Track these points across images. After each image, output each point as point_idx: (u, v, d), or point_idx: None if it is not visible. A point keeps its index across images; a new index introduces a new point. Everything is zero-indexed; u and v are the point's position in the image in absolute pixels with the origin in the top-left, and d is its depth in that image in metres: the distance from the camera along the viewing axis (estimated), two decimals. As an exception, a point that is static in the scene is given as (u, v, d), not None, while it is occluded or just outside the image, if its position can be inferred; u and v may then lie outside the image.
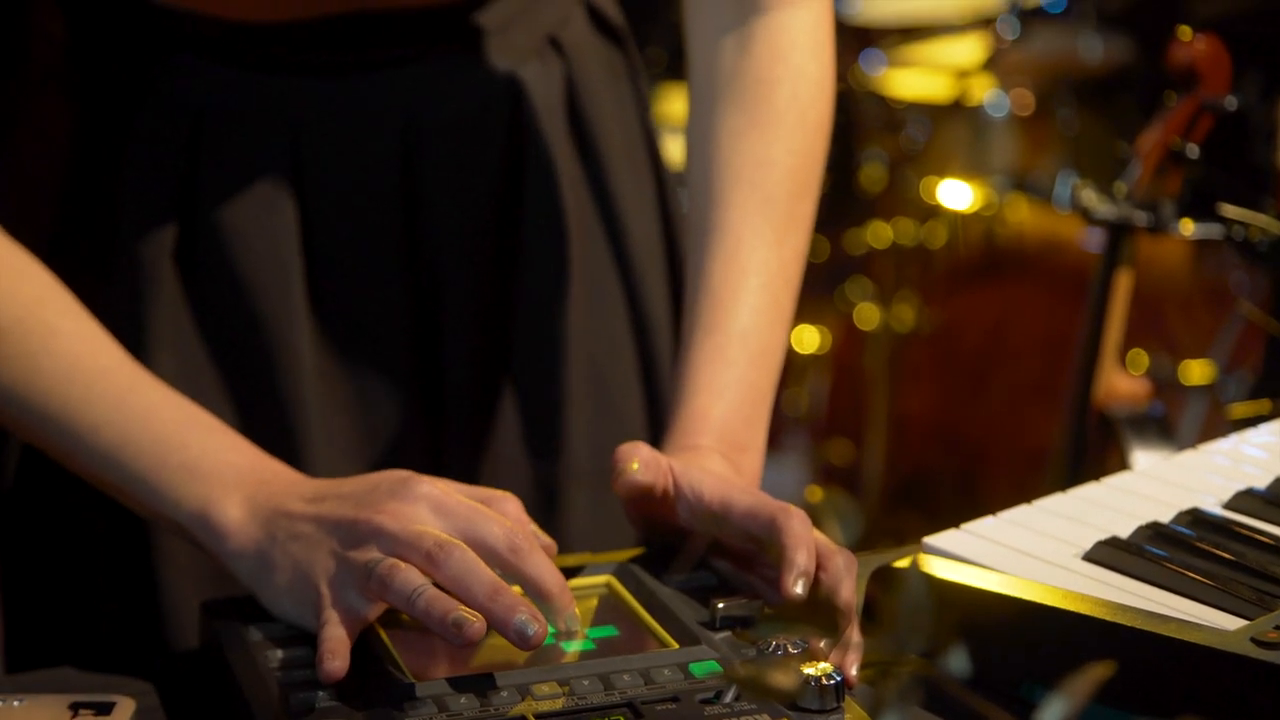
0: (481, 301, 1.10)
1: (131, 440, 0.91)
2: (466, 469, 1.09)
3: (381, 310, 1.08)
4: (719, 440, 0.96)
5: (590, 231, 1.15)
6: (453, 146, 1.08)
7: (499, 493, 0.87)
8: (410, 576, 0.79)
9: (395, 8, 1.05)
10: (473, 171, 1.09)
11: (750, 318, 1.00)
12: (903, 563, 0.87)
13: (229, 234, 1.04)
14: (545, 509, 1.11)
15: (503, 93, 1.10)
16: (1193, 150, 1.51)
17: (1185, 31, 1.53)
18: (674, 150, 1.91)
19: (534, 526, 0.87)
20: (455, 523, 0.82)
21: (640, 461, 0.88)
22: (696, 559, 0.89)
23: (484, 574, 0.79)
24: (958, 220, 2.87)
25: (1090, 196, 1.60)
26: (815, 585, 0.82)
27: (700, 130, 1.06)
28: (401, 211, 1.07)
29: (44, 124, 1.07)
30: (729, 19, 1.06)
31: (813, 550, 0.82)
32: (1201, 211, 1.52)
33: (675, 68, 2.75)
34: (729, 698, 0.75)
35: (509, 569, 0.81)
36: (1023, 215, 2.89)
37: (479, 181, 1.10)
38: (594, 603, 0.87)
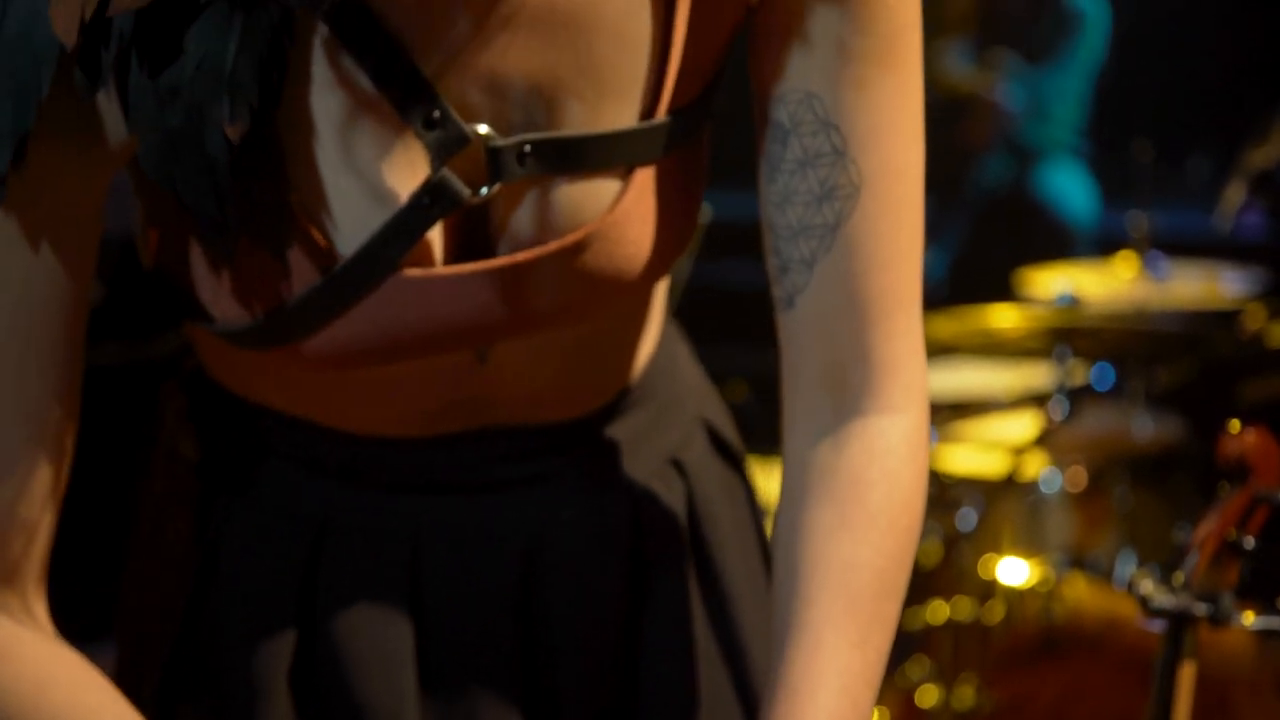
0: None
1: None
2: None
3: None
4: None
5: (711, 658, 1.14)
6: (573, 567, 1.09)
7: None
8: None
9: (521, 423, 1.07)
10: (593, 593, 1.10)
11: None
12: None
13: (345, 654, 1.05)
14: None
15: (626, 514, 1.11)
16: (1249, 542, 1.52)
17: (1234, 424, 1.56)
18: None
19: None
20: None
21: None
22: None
23: None
24: (1015, 597, 2.85)
25: (1149, 586, 1.59)
26: None
27: (789, 524, 1.05)
28: (519, 632, 1.08)
29: (170, 542, 1.09)
30: (827, 421, 1.05)
31: None
32: (1262, 601, 1.51)
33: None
34: None
35: None
36: (1080, 592, 2.87)
37: (599, 603, 1.10)
38: None
